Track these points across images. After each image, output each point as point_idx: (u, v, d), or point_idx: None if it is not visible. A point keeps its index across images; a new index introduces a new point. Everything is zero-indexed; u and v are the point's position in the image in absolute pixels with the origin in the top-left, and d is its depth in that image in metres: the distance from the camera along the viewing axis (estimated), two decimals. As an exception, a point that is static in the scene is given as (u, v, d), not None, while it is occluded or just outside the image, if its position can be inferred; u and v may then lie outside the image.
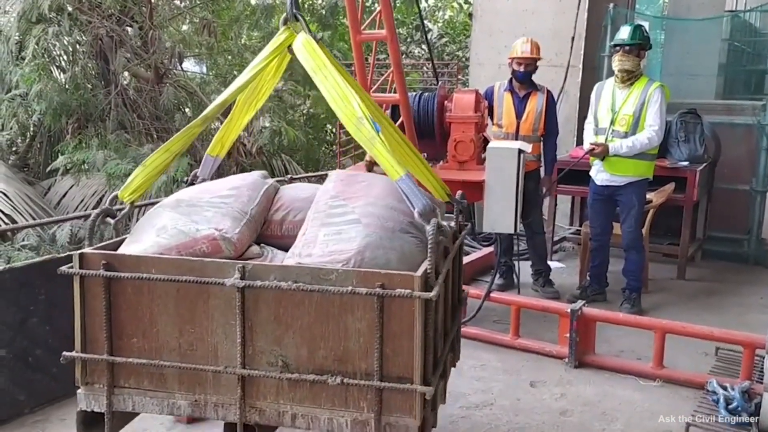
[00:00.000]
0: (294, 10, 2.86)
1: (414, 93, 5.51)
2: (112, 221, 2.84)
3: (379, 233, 2.60)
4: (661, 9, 15.91)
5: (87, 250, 2.64)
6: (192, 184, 3.21)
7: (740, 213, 6.95)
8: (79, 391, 2.66)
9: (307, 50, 2.78)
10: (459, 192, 3.49)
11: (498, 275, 6.02)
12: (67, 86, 8.83)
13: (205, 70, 11.31)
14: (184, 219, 2.73)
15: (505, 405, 3.91)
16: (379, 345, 2.43)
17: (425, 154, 4.39)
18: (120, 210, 2.86)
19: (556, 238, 7.16)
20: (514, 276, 6.00)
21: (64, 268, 2.59)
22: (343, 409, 2.52)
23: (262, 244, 2.95)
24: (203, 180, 3.22)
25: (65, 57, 9.23)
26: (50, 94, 8.03)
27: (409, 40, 16.14)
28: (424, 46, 16.09)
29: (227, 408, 2.59)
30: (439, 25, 15.84)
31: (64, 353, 2.64)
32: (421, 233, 2.64)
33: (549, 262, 6.44)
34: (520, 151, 4.65)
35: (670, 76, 11.64)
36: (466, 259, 6.54)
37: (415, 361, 2.42)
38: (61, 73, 9.10)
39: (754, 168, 6.82)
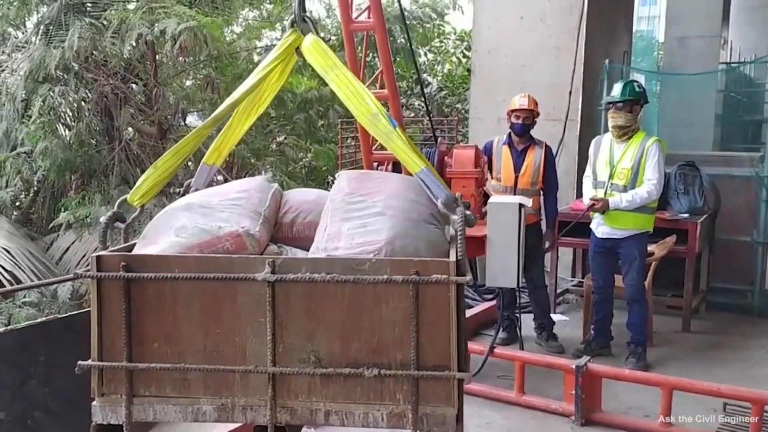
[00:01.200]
0: (302, 12, 2.88)
1: (415, 149, 5.58)
2: (122, 225, 2.78)
3: (405, 224, 2.60)
4: (656, 60, 16.18)
5: (103, 252, 2.55)
6: (185, 194, 3.08)
7: (743, 264, 6.94)
8: (94, 403, 2.52)
9: (317, 50, 2.81)
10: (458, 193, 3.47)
11: (501, 329, 5.98)
12: (71, 143, 8.93)
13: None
14: (204, 219, 2.66)
15: (511, 466, 3.84)
16: (416, 334, 2.40)
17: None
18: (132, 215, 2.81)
19: (558, 291, 7.13)
20: (517, 330, 5.95)
21: (80, 271, 2.52)
22: (379, 403, 2.46)
23: (279, 244, 2.90)
24: (197, 190, 3.07)
25: (70, 114, 9.36)
26: (55, 150, 8.13)
27: (409, 93, 16.37)
28: (422, 99, 16.34)
29: (256, 410, 2.49)
30: (438, 78, 16.06)
31: (80, 362, 2.49)
32: (441, 224, 2.71)
33: (552, 315, 6.41)
34: (521, 206, 4.68)
35: (667, 126, 11.77)
36: (468, 313, 6.51)
37: (451, 347, 2.40)
38: (66, 130, 9.22)
39: (754, 219, 6.84)
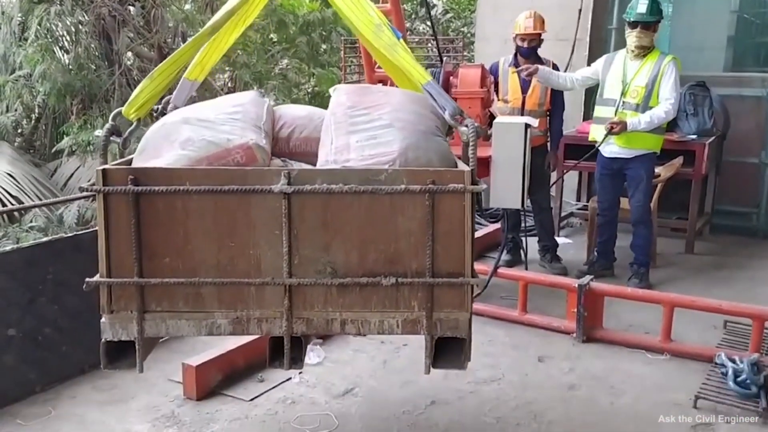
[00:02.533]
0: None
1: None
2: (119, 140, 2.70)
3: (416, 135, 2.62)
4: None
5: (109, 166, 2.50)
6: (164, 113, 2.99)
7: (749, 186, 6.89)
8: (102, 320, 2.52)
9: None
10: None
11: (505, 251, 6.00)
12: (70, 67, 8.79)
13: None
14: (209, 131, 2.60)
15: (514, 380, 3.92)
16: (431, 242, 2.45)
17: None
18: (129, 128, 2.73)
19: (563, 214, 7.12)
20: (522, 252, 5.97)
21: (86, 184, 2.45)
22: (394, 310, 2.54)
23: (283, 158, 2.88)
24: (175, 107, 2.97)
25: (68, 37, 9.17)
26: (54, 74, 8.00)
27: (413, 16, 15.97)
28: (428, 23, 15.94)
29: (272, 322, 2.54)
30: (444, 0, 15.63)
31: (88, 279, 2.46)
32: (445, 136, 2.76)
33: (556, 238, 6.42)
34: (527, 126, 4.60)
35: (679, 49, 11.44)
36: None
37: (465, 255, 2.47)
38: (65, 54, 9.06)
39: (763, 140, 6.75)
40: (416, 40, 15.32)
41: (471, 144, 2.55)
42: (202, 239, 2.48)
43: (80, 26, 9.54)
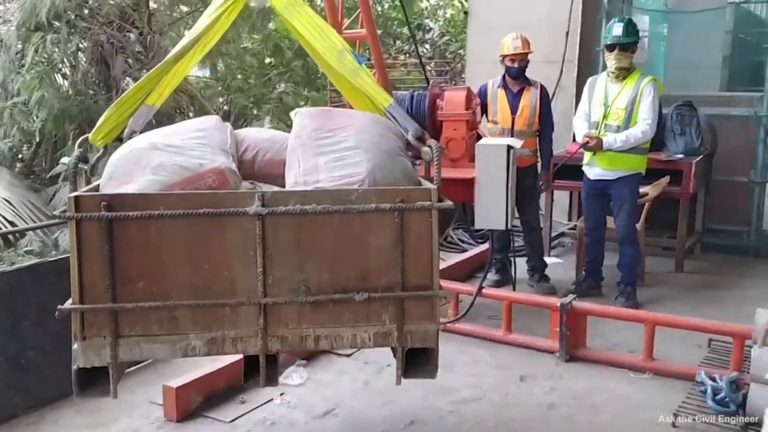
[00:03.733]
0: None
1: (407, 92, 5.55)
2: (86, 166, 2.74)
3: (382, 156, 2.74)
4: (664, 5, 15.70)
5: (80, 192, 2.54)
6: (121, 139, 3.00)
7: (739, 205, 6.90)
8: (74, 347, 2.52)
9: None
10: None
11: (494, 271, 6.03)
12: (68, 93, 8.91)
13: (208, 73, 11.41)
14: (180, 157, 2.65)
15: (495, 399, 3.93)
16: (401, 258, 2.56)
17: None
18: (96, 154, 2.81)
19: (554, 234, 7.15)
20: (510, 272, 5.99)
21: (58, 212, 2.49)
22: (366, 324, 2.62)
23: (250, 180, 2.94)
24: (133, 132, 2.99)
25: (67, 63, 9.31)
26: (51, 100, 8.12)
27: (411, 39, 16.14)
28: (427, 46, 16.10)
29: (247, 341, 2.58)
30: (440, 23, 15.80)
31: (59, 307, 2.48)
32: (408, 156, 2.90)
33: (547, 258, 6.44)
34: (509, 147, 4.66)
35: (674, 68, 11.55)
36: (463, 256, 6.56)
37: (433, 268, 2.59)
38: (63, 80, 9.19)
39: (752, 159, 6.78)
40: (414, 62, 15.51)
41: (435, 163, 2.66)
42: (176, 263, 2.52)
43: (79, 53, 9.69)
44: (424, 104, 5.30)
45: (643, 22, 9.89)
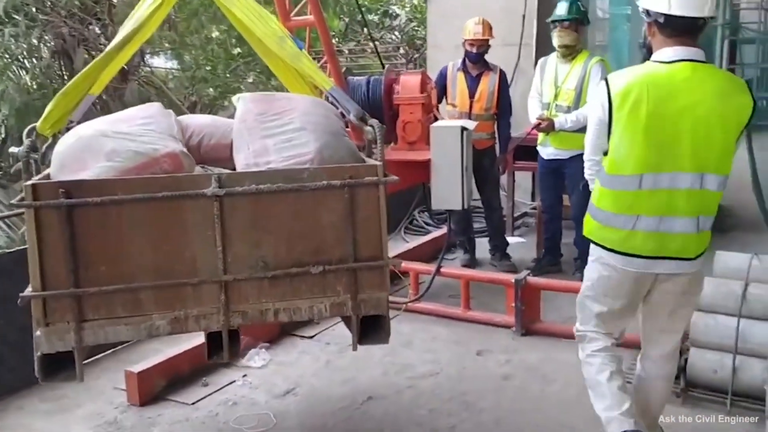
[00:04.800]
0: None
1: (363, 77, 5.63)
2: (36, 155, 2.75)
3: (327, 136, 2.87)
4: None
5: (37, 180, 2.56)
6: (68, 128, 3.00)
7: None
8: (37, 333, 2.54)
9: None
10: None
11: (463, 252, 6.15)
12: (31, 86, 8.86)
13: (176, 65, 11.38)
14: (132, 143, 2.70)
15: (451, 373, 4.05)
16: (352, 231, 2.70)
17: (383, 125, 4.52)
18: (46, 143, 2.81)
19: (517, 214, 7.30)
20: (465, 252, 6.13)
21: (15, 201, 2.52)
22: (322, 296, 2.75)
23: (200, 165, 3.02)
24: (71, 122, 3.02)
25: (27, 57, 9.25)
26: (12, 95, 8.08)
27: (380, 26, 16.18)
28: (395, 33, 16.16)
29: (209, 317, 2.68)
30: (407, 10, 15.85)
31: (21, 294, 2.50)
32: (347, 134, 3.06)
33: (510, 238, 6.59)
34: (463, 129, 4.76)
35: (638, 49, 11.74)
36: (425, 238, 6.68)
37: (382, 240, 2.76)
38: (25, 73, 9.13)
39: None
40: (384, 48, 15.56)
41: (379, 139, 2.84)
42: (137, 245, 2.58)
43: (41, 45, 9.62)
44: (380, 88, 5.37)
45: (604, 2, 10.06)
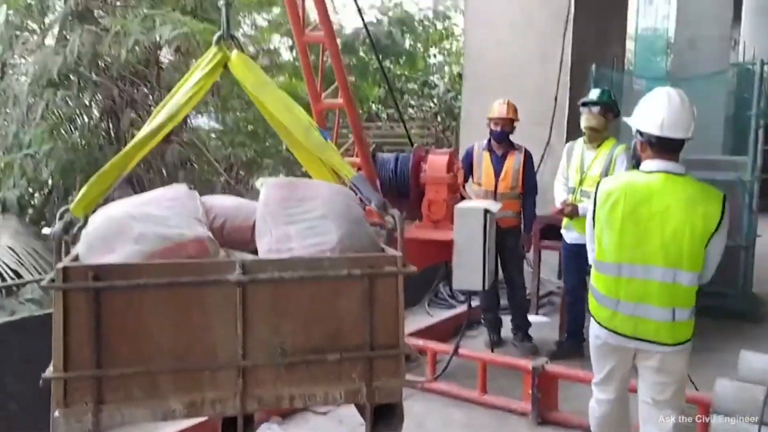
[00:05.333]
0: (229, 30, 3.05)
1: (392, 154, 5.76)
2: (68, 236, 2.77)
3: (349, 225, 2.91)
4: (665, 70, 15.94)
5: (68, 263, 2.59)
6: None
7: (727, 267, 6.93)
8: (55, 414, 2.52)
9: (247, 67, 3.02)
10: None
11: (488, 329, 6.10)
12: (78, 145, 9.23)
13: (217, 124, 11.76)
14: (159, 227, 2.74)
15: (462, 462, 3.99)
16: (370, 319, 2.72)
17: (404, 213, 4.60)
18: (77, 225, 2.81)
19: (543, 293, 7.24)
20: (501, 330, 6.08)
21: (45, 283, 2.53)
22: (337, 383, 2.74)
23: (224, 248, 3.02)
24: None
25: (78, 116, 9.67)
26: (59, 152, 8.43)
27: (419, 94, 16.52)
28: (435, 101, 16.46)
29: (225, 402, 2.66)
30: (445, 80, 16.18)
31: (43, 375, 2.51)
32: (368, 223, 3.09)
33: (534, 317, 6.53)
34: (486, 211, 4.82)
35: (632, 160, 11.72)
36: (449, 313, 6.66)
37: (399, 328, 2.77)
38: (74, 130, 9.53)
39: (738, 224, 6.87)
40: (424, 116, 15.89)
41: (399, 229, 2.89)
42: (159, 329, 2.60)
43: (93, 105, 10.06)
44: (407, 166, 5.48)
45: (640, 85, 10.16)
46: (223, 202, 3.29)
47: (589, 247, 3.44)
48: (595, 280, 3.36)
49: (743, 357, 3.85)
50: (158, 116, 3.09)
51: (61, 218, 2.82)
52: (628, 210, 3.13)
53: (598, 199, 3.26)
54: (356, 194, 3.27)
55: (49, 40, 9.79)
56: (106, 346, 2.56)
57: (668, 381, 3.32)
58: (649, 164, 3.19)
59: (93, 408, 2.56)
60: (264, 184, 3.16)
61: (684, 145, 3.20)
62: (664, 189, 3.10)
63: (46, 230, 2.85)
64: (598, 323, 3.36)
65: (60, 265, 2.54)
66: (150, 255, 2.70)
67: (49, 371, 2.56)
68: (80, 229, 2.92)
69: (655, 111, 3.17)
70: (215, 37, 3.07)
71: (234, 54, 3.04)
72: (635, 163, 3.39)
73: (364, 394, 2.75)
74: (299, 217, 2.94)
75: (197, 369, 2.64)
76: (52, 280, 2.52)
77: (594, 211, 3.29)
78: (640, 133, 3.21)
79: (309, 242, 2.84)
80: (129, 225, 2.78)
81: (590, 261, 3.47)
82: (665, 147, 3.15)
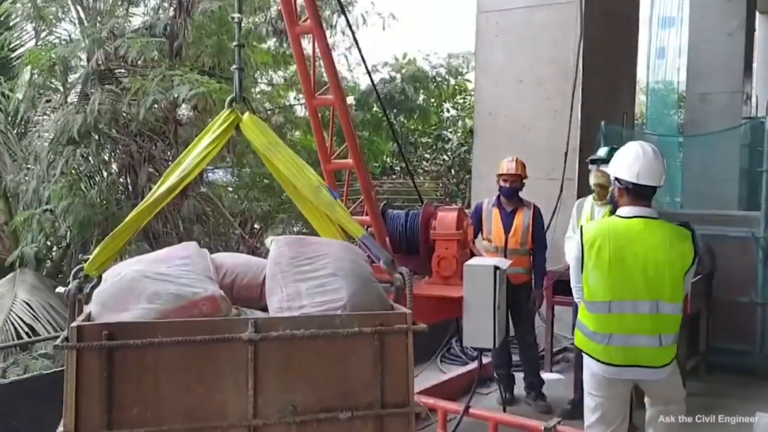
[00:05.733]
0: (241, 92, 3.16)
1: (402, 211, 5.80)
2: (81, 295, 2.85)
3: (358, 282, 2.94)
4: (677, 126, 16.00)
5: (81, 322, 2.60)
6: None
7: (744, 324, 6.86)
8: None
9: (258, 128, 3.11)
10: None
11: (500, 387, 5.99)
12: (96, 200, 9.41)
13: (232, 178, 11.96)
14: (172, 285, 2.76)
15: None
16: (380, 377, 2.73)
17: (412, 270, 4.62)
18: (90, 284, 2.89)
19: (557, 349, 7.15)
20: (506, 388, 5.99)
21: (58, 343, 2.54)
22: None
23: (234, 305, 3.04)
24: None
25: (96, 173, 9.90)
26: (77, 208, 8.60)
27: (433, 147, 16.74)
28: (448, 154, 16.65)
29: None
30: (459, 134, 16.38)
31: None
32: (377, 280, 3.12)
33: (547, 374, 6.44)
34: (496, 268, 4.81)
35: (691, 182, 11.70)
36: (461, 370, 6.59)
37: (409, 386, 2.78)
38: (93, 186, 9.73)
39: (753, 280, 6.79)
40: (438, 169, 16.06)
41: (408, 287, 2.96)
42: (170, 387, 2.60)
43: (112, 161, 10.30)
44: (417, 222, 5.51)
45: (653, 140, 10.22)
46: (233, 260, 3.34)
47: (576, 287, 3.70)
48: (584, 318, 3.65)
49: (759, 420, 3.76)
50: (172, 176, 3.16)
51: (75, 277, 2.88)
52: (613, 253, 3.47)
53: (584, 244, 3.55)
54: (365, 252, 3.31)
55: (72, 98, 10.12)
56: (118, 405, 2.56)
57: (668, 408, 3.72)
58: (626, 210, 3.57)
59: None
60: (274, 241, 3.20)
61: (656, 192, 3.61)
62: (643, 233, 3.48)
63: (60, 289, 2.89)
64: (592, 357, 3.60)
65: (74, 324, 2.57)
66: (164, 313, 2.73)
67: (60, 430, 2.54)
68: (93, 288, 2.96)
69: (631, 162, 3.56)
70: (228, 100, 3.18)
71: (246, 116, 3.12)
72: (612, 207, 3.82)
73: None
74: (309, 275, 2.98)
75: (207, 429, 2.64)
76: (66, 339, 2.55)
77: (582, 255, 3.55)
78: (618, 181, 3.61)
79: (319, 299, 2.88)
80: (142, 283, 2.81)
81: (575, 299, 3.77)
82: (641, 193, 3.56)
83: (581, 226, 3.70)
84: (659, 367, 3.54)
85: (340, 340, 2.72)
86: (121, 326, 2.60)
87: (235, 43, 3.40)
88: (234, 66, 3.34)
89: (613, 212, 3.75)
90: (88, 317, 2.80)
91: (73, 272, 2.93)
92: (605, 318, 3.52)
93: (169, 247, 3.33)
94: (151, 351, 2.58)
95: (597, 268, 3.49)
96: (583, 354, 3.68)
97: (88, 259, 3.00)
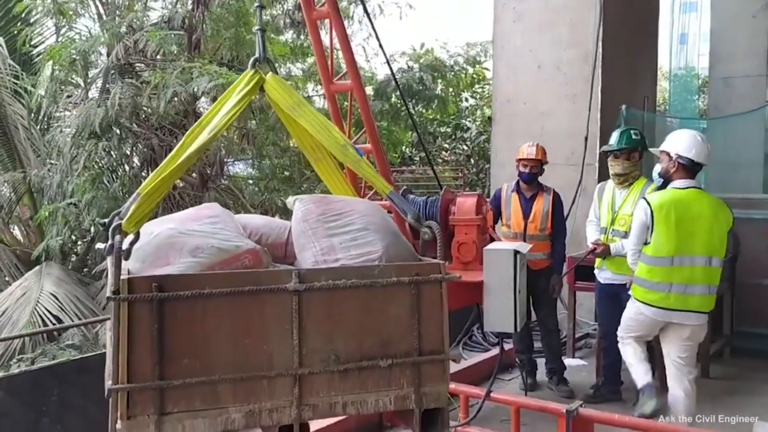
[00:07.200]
0: (264, 53, 3.15)
1: (422, 197, 5.80)
2: (123, 251, 2.69)
3: (390, 236, 3.02)
4: (699, 109, 15.77)
5: (131, 275, 2.59)
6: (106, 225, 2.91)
7: (768, 308, 6.79)
8: (118, 427, 2.53)
9: (282, 88, 3.10)
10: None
11: (523, 373, 6.00)
12: (119, 192, 9.52)
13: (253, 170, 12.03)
14: (214, 239, 2.78)
15: None
16: (417, 325, 2.81)
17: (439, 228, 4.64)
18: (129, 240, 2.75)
19: (579, 334, 7.12)
20: (527, 373, 5.98)
21: (110, 294, 2.53)
22: (387, 389, 2.80)
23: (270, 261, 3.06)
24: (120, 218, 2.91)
25: (118, 166, 10.01)
26: (100, 201, 8.71)
27: (452, 137, 16.67)
28: (468, 143, 16.58)
29: (282, 411, 2.70)
30: (477, 123, 16.30)
31: (109, 387, 2.51)
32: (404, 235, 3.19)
33: (570, 360, 6.42)
34: (516, 252, 4.79)
35: (715, 167, 11.54)
36: (484, 356, 6.59)
37: (444, 334, 2.85)
38: (115, 179, 9.84)
39: (777, 263, 6.72)
40: (454, 159, 16.00)
41: (438, 239, 2.95)
42: (219, 339, 2.64)
43: (133, 154, 10.41)
44: (436, 209, 5.51)
45: (674, 123, 10.09)
46: (255, 221, 3.37)
47: (634, 249, 4.51)
48: (646, 272, 4.43)
49: (756, 428, 3.72)
50: (201, 135, 3.04)
51: (113, 234, 2.71)
52: (678, 216, 4.31)
53: (654, 210, 4.34)
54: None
55: (93, 92, 10.23)
56: (169, 357, 2.58)
57: (692, 344, 4.54)
58: (683, 182, 4.41)
59: (156, 419, 2.56)
60: (298, 200, 3.20)
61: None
62: (697, 201, 4.37)
63: (100, 245, 2.84)
64: (649, 304, 4.43)
65: (124, 277, 2.57)
66: (208, 266, 2.75)
67: (109, 384, 2.55)
68: (132, 243, 2.93)
69: (690, 144, 4.39)
70: (251, 61, 3.15)
71: (269, 76, 3.11)
72: (663, 181, 4.56)
73: (413, 400, 2.82)
74: (341, 229, 3.01)
75: (256, 377, 2.68)
76: (115, 292, 2.54)
77: (651, 220, 4.33)
78: (679, 157, 4.37)
79: (354, 252, 2.93)
80: (181, 239, 2.81)
81: (631, 262, 4.58)
82: (693, 170, 4.43)
83: (644, 197, 4.49)
84: (706, 312, 4.41)
85: (378, 290, 2.78)
86: (170, 278, 2.62)
87: (256, 4, 3.42)
88: (256, 27, 3.34)
89: (662, 186, 4.58)
90: (128, 274, 2.74)
91: (110, 229, 2.75)
92: (668, 270, 4.34)
93: (192, 208, 3.32)
94: (200, 302, 2.61)
95: (665, 229, 4.29)
96: (637, 302, 4.49)
97: (125, 216, 2.87)
